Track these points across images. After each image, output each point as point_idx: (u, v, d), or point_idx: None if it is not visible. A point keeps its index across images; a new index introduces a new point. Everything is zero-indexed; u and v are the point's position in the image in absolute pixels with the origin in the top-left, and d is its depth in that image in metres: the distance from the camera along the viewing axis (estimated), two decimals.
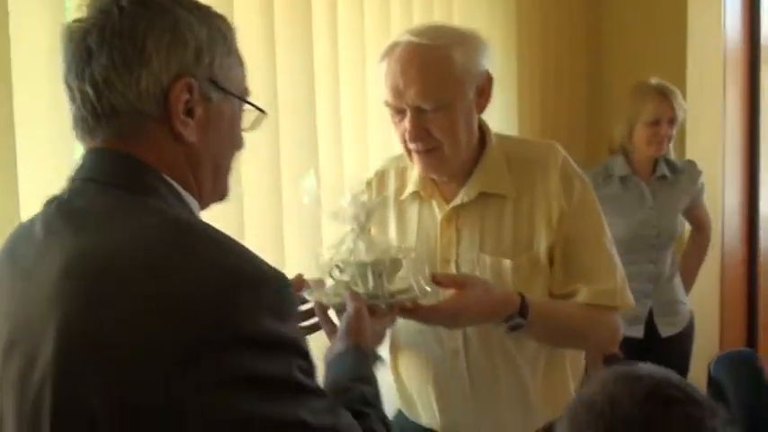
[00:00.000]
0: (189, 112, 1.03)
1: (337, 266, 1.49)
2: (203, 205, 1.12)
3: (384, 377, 1.84)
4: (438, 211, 1.75)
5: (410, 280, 1.51)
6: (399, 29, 2.26)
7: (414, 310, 1.50)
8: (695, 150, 3.46)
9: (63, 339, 0.92)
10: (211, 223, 1.03)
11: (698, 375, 2.98)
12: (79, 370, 0.91)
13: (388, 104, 1.66)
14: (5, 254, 1.09)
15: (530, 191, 1.72)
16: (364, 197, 1.53)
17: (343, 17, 2.30)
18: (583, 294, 1.70)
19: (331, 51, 2.25)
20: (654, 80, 2.96)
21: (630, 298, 1.77)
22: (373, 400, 1.20)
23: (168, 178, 1.04)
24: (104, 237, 0.97)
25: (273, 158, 2.06)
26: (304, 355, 0.99)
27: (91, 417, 0.90)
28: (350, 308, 1.40)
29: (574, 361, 1.83)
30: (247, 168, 1.93)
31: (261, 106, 1.15)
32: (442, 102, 1.60)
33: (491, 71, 1.70)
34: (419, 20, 2.62)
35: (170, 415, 0.89)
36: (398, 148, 1.75)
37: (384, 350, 1.66)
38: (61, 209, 1.03)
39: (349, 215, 1.50)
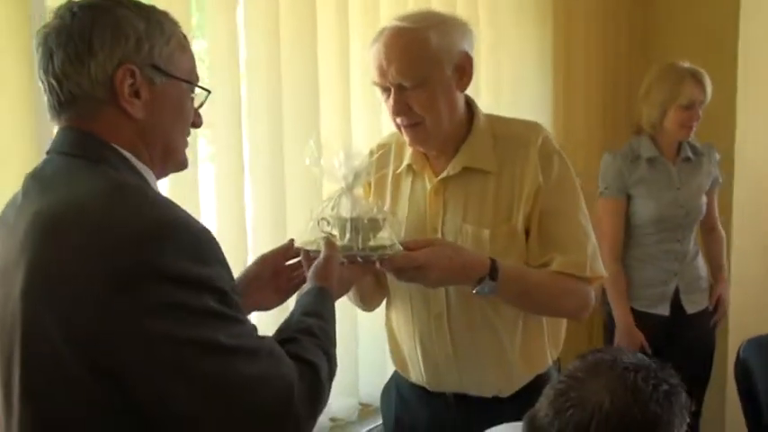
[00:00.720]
0: (136, 94, 1.23)
1: (324, 219, 1.67)
2: (158, 174, 1.32)
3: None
4: (428, 184, 1.90)
5: (386, 240, 1.67)
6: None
7: (385, 262, 1.66)
8: (747, 138, 3.44)
9: (27, 279, 1.15)
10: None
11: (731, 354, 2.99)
12: (38, 303, 1.13)
13: (375, 83, 1.82)
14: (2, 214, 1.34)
15: (511, 166, 1.84)
16: (356, 161, 1.70)
17: None
18: (555, 263, 1.82)
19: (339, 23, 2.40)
20: (685, 63, 2.98)
21: (601, 269, 1.87)
22: (318, 332, 1.37)
23: (122, 150, 1.24)
24: (61, 195, 1.18)
25: (276, 127, 2.23)
26: (221, 291, 1.17)
27: (50, 340, 1.12)
28: (322, 254, 1.58)
29: (553, 329, 1.95)
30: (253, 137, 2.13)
31: (206, 87, 1.34)
32: (419, 79, 1.75)
33: (471, 53, 1.82)
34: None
35: (107, 337, 1.10)
36: None
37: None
38: (35, 176, 1.26)
39: (339, 175, 1.68)
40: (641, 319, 3.04)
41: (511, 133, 1.88)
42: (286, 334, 1.35)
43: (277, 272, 1.69)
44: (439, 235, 1.86)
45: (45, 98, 1.26)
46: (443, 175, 1.87)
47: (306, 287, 1.53)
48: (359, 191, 1.73)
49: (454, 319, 1.88)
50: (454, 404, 1.94)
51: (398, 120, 1.81)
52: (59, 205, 1.17)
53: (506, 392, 1.90)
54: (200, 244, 1.17)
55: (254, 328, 1.24)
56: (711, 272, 3.20)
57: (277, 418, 1.20)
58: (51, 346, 1.12)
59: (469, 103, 1.90)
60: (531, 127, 1.92)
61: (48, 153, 1.28)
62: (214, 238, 1.20)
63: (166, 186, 1.94)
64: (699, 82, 2.93)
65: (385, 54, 1.76)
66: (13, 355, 1.17)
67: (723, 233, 3.28)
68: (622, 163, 3.01)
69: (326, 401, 1.34)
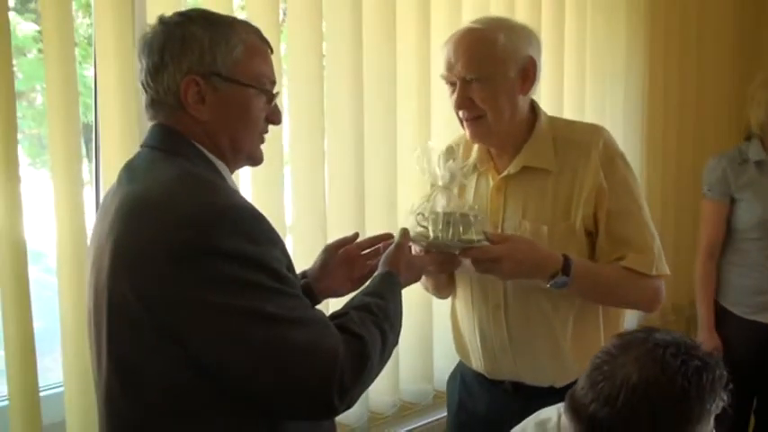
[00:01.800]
0: (202, 100, 1.41)
1: (421, 213, 1.85)
2: (231, 167, 1.50)
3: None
4: (491, 181, 2.01)
5: (474, 234, 1.81)
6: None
7: (465, 251, 1.80)
8: None
9: (112, 254, 1.34)
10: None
11: None
12: (120, 275, 1.33)
13: (442, 77, 1.94)
14: (102, 200, 1.56)
15: (571, 167, 1.93)
16: (450, 163, 1.86)
17: None
18: (625, 260, 1.91)
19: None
20: None
21: (666, 268, 1.95)
22: (375, 309, 1.50)
23: (198, 145, 1.44)
24: (142, 182, 1.39)
25: (358, 128, 2.38)
26: (271, 267, 1.32)
27: (129, 308, 1.31)
28: (395, 242, 1.73)
29: (610, 323, 2.02)
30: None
31: (283, 88, 1.53)
32: (483, 74, 1.87)
33: (537, 60, 1.93)
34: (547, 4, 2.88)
35: (168, 303, 1.28)
36: None
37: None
38: (127, 166, 1.48)
39: (438, 175, 1.86)
40: (742, 325, 3.02)
41: (572, 136, 1.97)
42: (342, 310, 1.49)
43: (350, 260, 1.83)
44: (499, 230, 1.97)
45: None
46: (505, 173, 1.98)
47: (378, 270, 1.69)
48: (454, 189, 1.88)
49: (511, 310, 1.99)
50: (512, 392, 2.04)
51: (461, 113, 1.93)
52: (139, 191, 1.37)
53: (561, 383, 1.98)
54: (253, 226, 1.33)
55: (303, 301, 1.38)
56: None
57: (322, 383, 1.31)
58: (130, 312, 1.31)
59: (533, 107, 2.00)
60: (593, 130, 2.00)
61: (141, 147, 1.50)
62: (267, 221, 1.36)
63: (250, 184, 2.13)
64: None
65: (454, 49, 1.89)
66: (102, 321, 1.37)
67: None
68: (728, 166, 3.00)
69: (376, 373, 1.45)
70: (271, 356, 1.29)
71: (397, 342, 1.56)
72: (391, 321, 1.52)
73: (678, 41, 3.43)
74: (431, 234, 1.80)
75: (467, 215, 1.81)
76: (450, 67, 1.90)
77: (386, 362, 1.51)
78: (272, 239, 1.36)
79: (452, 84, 1.92)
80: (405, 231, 1.76)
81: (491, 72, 1.87)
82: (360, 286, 1.80)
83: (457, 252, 1.82)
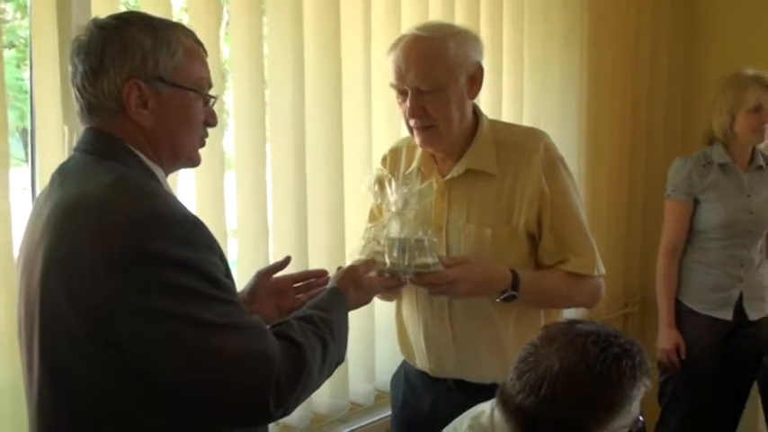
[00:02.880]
0: (144, 104, 1.39)
1: (376, 239, 1.87)
2: (167, 170, 1.49)
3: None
4: (435, 185, 2.04)
5: (429, 259, 1.84)
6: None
7: (420, 276, 1.85)
8: None
9: (44, 260, 1.33)
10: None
11: None
12: (53, 280, 1.31)
13: (392, 85, 1.96)
14: (34, 204, 1.53)
15: (513, 171, 1.98)
16: (404, 189, 1.89)
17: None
18: (567, 264, 1.98)
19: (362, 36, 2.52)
20: (750, 70, 3.05)
21: (602, 267, 2.04)
22: (318, 321, 1.52)
23: (134, 149, 1.42)
24: (75, 187, 1.37)
25: (299, 136, 2.36)
26: (209, 273, 1.32)
27: (63, 314, 1.30)
28: (348, 264, 1.78)
29: (550, 318, 2.08)
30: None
31: (212, 94, 1.50)
32: (437, 84, 1.89)
33: (482, 64, 1.97)
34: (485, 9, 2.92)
35: (104, 309, 1.26)
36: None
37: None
38: (60, 170, 1.46)
39: (391, 201, 1.89)
40: (702, 321, 3.12)
41: (513, 139, 2.02)
42: (284, 319, 1.50)
43: (281, 291, 1.84)
44: (443, 233, 2.01)
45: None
46: (448, 176, 2.01)
47: (327, 286, 1.72)
48: (408, 215, 1.90)
49: (455, 310, 2.02)
50: (455, 389, 2.08)
51: (412, 122, 1.95)
52: (72, 196, 1.35)
53: (503, 379, 2.00)
54: (191, 232, 1.33)
55: (240, 307, 1.38)
56: None
57: (258, 388, 1.32)
58: (63, 318, 1.30)
59: (475, 110, 2.04)
60: (534, 134, 2.06)
61: (74, 151, 1.47)
62: (204, 227, 1.36)
63: (193, 190, 2.12)
64: (764, 85, 3.00)
65: (404, 59, 1.90)
66: (34, 327, 1.36)
67: None
68: (693, 167, 3.10)
69: (315, 382, 1.46)
70: (206, 363, 1.29)
71: (342, 357, 1.58)
72: (334, 334, 1.54)
73: (615, 43, 3.50)
74: (386, 260, 1.83)
75: (421, 240, 1.84)
76: (401, 77, 1.91)
77: (329, 373, 1.52)
78: (210, 245, 1.36)
79: (402, 92, 1.94)
80: (359, 260, 1.81)
81: (444, 82, 1.90)
82: (284, 317, 1.80)
83: (410, 278, 1.85)
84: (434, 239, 1.88)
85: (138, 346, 1.28)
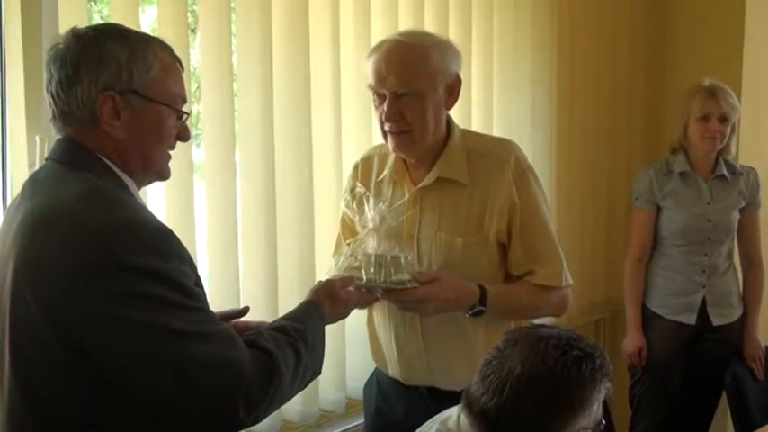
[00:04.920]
0: (117, 116, 1.40)
1: (353, 255, 1.90)
2: (138, 182, 1.50)
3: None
4: (406, 193, 2.05)
5: (404, 275, 1.86)
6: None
7: (390, 293, 1.87)
8: (752, 155, 3.52)
9: (15, 269, 1.34)
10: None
11: None
12: (23, 289, 1.32)
13: (371, 87, 1.97)
14: (5, 214, 1.53)
15: (484, 181, 2.01)
16: (380, 206, 1.91)
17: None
18: (535, 276, 2.01)
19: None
20: (706, 80, 3.12)
21: (569, 276, 2.07)
22: (291, 331, 1.53)
23: (106, 160, 1.42)
24: (47, 197, 1.38)
25: (268, 143, 2.35)
26: (178, 282, 1.34)
27: (33, 322, 1.31)
28: (324, 278, 1.80)
29: (519, 325, 2.09)
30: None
31: (185, 110, 1.51)
32: (416, 89, 1.91)
33: (461, 75, 2.01)
34: (454, 15, 2.94)
35: (74, 317, 1.28)
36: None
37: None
38: (31, 180, 1.48)
39: (368, 218, 1.91)
40: (667, 326, 3.19)
41: (484, 149, 2.05)
42: (256, 330, 1.51)
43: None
44: (414, 241, 2.02)
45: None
46: (420, 185, 2.03)
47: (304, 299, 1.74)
48: (384, 232, 1.92)
49: (425, 318, 2.03)
50: (427, 397, 2.09)
51: (387, 126, 1.96)
52: (43, 205, 1.36)
53: None
54: (160, 241, 1.34)
55: (209, 315, 1.40)
56: (745, 308, 3.25)
57: (227, 396, 1.34)
58: (33, 326, 1.30)
59: (447, 120, 2.06)
60: (505, 145, 2.09)
61: (45, 160, 1.47)
62: (175, 237, 1.37)
63: (163, 200, 2.11)
64: (711, 95, 3.06)
65: (385, 61, 1.92)
66: (5, 334, 1.36)
67: (763, 270, 3.29)
68: (654, 176, 3.19)
69: (287, 391, 1.47)
70: (177, 371, 1.31)
71: (318, 369, 1.59)
72: (308, 344, 1.55)
73: (586, 52, 3.54)
74: (363, 275, 1.85)
75: (397, 257, 1.87)
76: (380, 80, 1.93)
77: (303, 383, 1.54)
78: (180, 255, 1.37)
79: (380, 96, 1.95)
80: (348, 277, 1.83)
81: (423, 88, 1.92)
82: None
83: (380, 294, 1.89)
84: (410, 256, 1.90)
85: (107, 354, 1.29)
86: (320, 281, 1.84)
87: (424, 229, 2.03)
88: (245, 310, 1.82)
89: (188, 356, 1.31)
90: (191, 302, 1.35)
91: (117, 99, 1.39)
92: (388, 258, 1.86)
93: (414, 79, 1.91)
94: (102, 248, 1.27)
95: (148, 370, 1.30)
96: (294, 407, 2.48)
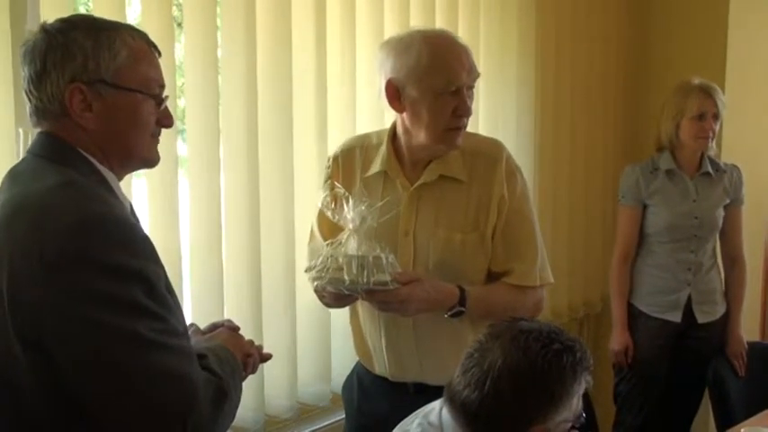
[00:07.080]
0: (89, 107, 1.38)
1: (334, 256, 1.89)
2: (122, 174, 1.48)
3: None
4: (402, 189, 2.05)
5: (386, 276, 1.86)
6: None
7: (372, 294, 1.87)
8: (734, 152, 3.55)
9: None
10: None
11: None
12: None
13: (453, 84, 1.93)
14: None
15: (480, 179, 2.03)
16: (361, 207, 1.89)
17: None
18: (512, 276, 2.03)
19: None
20: (696, 79, 3.14)
21: (550, 275, 2.09)
22: (226, 361, 1.48)
23: (84, 153, 1.40)
24: (23, 189, 1.36)
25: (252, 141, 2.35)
26: (147, 282, 1.30)
27: (2, 313, 1.28)
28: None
29: None
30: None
31: (160, 94, 1.47)
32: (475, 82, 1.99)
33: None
34: (441, 17, 2.95)
35: (36, 311, 1.25)
36: None
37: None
38: (10, 173, 1.44)
39: (348, 218, 1.90)
40: (653, 323, 3.21)
41: (478, 148, 2.07)
42: (203, 353, 1.45)
43: None
44: (410, 237, 2.03)
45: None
46: (420, 181, 2.03)
47: None
48: (366, 232, 1.91)
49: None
50: (415, 393, 2.09)
51: (461, 121, 1.98)
52: (19, 197, 1.35)
53: None
54: (131, 238, 1.32)
55: (174, 325, 1.35)
56: (728, 306, 3.28)
57: (178, 411, 1.29)
58: (1, 318, 1.28)
59: None
60: (497, 144, 2.12)
61: (26, 153, 1.47)
62: (146, 236, 1.36)
63: (146, 194, 2.10)
64: (707, 94, 3.09)
65: (457, 56, 1.95)
66: None
67: (746, 268, 3.31)
68: (641, 174, 3.20)
69: (229, 418, 1.44)
70: (131, 378, 1.27)
71: (235, 407, 1.50)
72: (236, 381, 1.50)
73: (569, 51, 3.56)
74: (345, 277, 1.84)
75: (379, 257, 1.87)
76: (455, 75, 1.93)
77: (232, 417, 1.48)
78: (149, 255, 1.34)
79: (453, 93, 1.94)
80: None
81: None
82: None
83: (362, 295, 1.89)
84: (391, 257, 1.89)
85: (63, 353, 1.26)
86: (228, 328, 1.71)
87: (420, 225, 2.03)
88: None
89: (146, 365, 1.27)
90: (155, 307, 1.31)
91: (85, 90, 1.37)
92: (370, 259, 1.86)
93: (476, 71, 1.98)
94: (69, 241, 1.25)
95: (103, 374, 1.26)
96: (277, 401, 2.49)
